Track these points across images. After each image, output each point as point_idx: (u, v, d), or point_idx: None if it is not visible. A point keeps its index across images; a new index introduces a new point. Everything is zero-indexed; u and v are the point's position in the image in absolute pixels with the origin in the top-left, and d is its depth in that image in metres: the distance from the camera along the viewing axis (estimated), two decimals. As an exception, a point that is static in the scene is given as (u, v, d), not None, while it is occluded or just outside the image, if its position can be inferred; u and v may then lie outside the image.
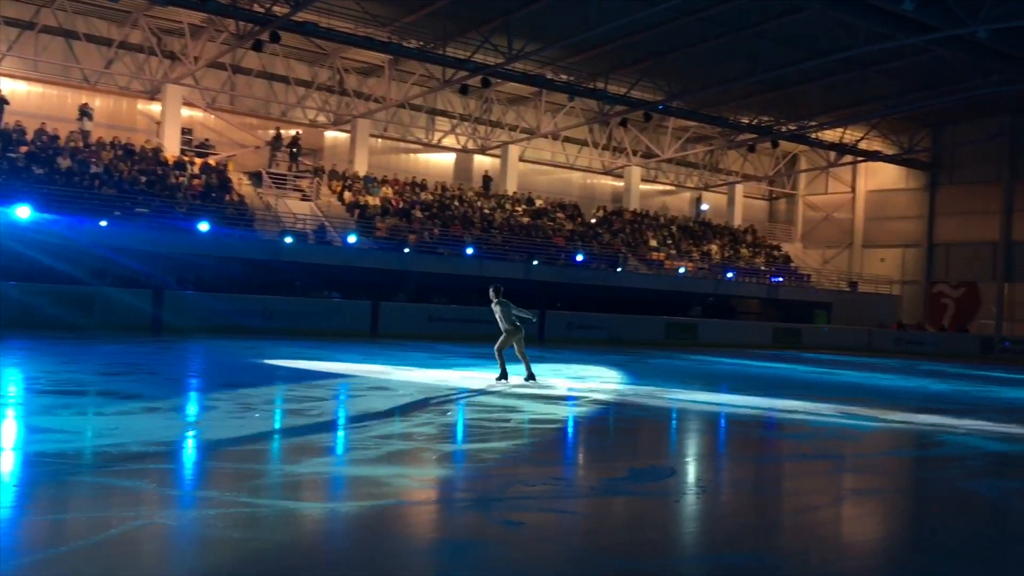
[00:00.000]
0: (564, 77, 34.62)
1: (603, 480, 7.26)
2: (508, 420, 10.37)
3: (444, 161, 40.63)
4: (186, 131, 32.70)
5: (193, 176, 30.08)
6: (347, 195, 33.48)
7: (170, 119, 31.80)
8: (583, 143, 43.09)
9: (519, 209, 38.19)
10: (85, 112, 30.48)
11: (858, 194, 48.17)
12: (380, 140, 38.24)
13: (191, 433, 8.82)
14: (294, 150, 34.15)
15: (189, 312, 24.55)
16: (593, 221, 40.71)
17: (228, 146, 34.22)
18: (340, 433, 9.26)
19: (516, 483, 6.85)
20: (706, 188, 47.94)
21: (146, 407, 10.08)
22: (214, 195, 29.42)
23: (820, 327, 40.53)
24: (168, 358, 17.61)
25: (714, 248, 42.66)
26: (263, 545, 4.92)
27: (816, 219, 49.97)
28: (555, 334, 30.23)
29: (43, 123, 28.88)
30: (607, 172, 45.00)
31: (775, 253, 45.85)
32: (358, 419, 10.08)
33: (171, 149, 31.26)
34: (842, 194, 48.95)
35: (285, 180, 33.31)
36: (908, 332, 42.61)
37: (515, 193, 39.65)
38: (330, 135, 37.48)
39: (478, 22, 28.90)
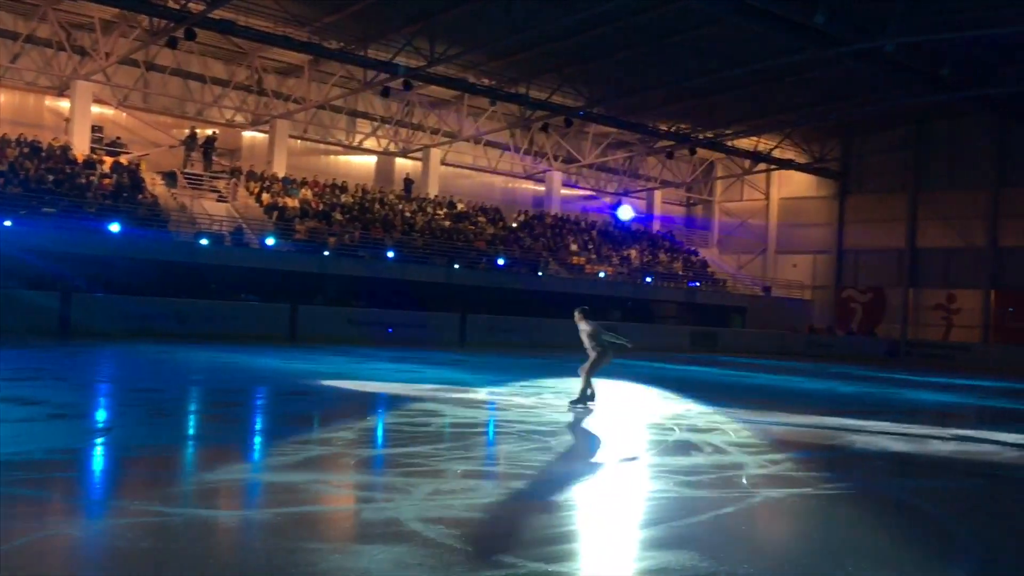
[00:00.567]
0: (486, 81, 34.74)
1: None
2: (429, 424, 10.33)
3: (365, 163, 40.32)
4: (96, 129, 31.77)
5: (103, 175, 29.17)
6: (265, 197, 32.90)
7: (79, 116, 30.79)
8: (505, 147, 43.27)
9: (440, 213, 38.11)
10: (-11, 108, 29.39)
11: (772, 201, 49.48)
12: (300, 141, 37.72)
13: (100, 440, 8.56)
14: (210, 150, 33.44)
15: (99, 315, 23.80)
16: (514, 225, 40.90)
17: (141, 145, 33.31)
18: (257, 439, 9.11)
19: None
20: (625, 193, 48.63)
21: (52, 413, 9.78)
22: (126, 195, 28.60)
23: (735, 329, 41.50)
24: (76, 362, 17.07)
25: (633, 253, 43.30)
26: (174, 556, 4.81)
27: (732, 225, 51.16)
28: (476, 338, 30.31)
29: (-58, 118, 27.75)
30: (528, 176, 45.32)
31: (692, 258, 46.78)
32: (275, 426, 9.92)
33: (80, 147, 30.28)
34: (756, 201, 50.19)
35: (201, 180, 32.59)
36: (819, 336, 44.02)
37: (437, 196, 39.57)
38: (248, 135, 36.83)
39: (400, 24, 28.75)
